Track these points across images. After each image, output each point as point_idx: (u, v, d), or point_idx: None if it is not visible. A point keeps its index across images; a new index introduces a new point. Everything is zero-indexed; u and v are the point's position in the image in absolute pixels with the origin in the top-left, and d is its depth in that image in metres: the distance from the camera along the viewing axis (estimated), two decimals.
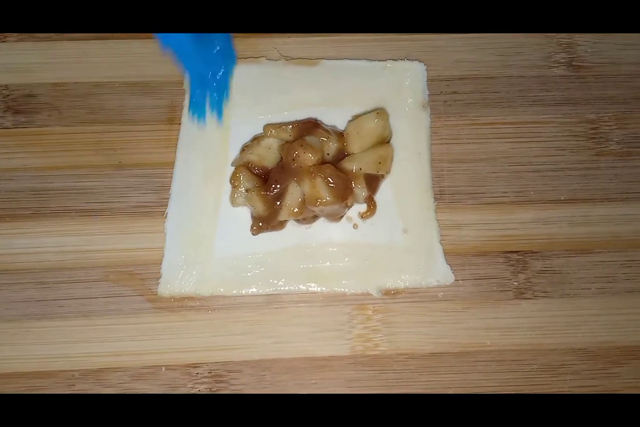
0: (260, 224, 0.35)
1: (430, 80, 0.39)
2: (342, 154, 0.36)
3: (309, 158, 0.34)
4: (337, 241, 0.36)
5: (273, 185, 0.34)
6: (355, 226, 0.36)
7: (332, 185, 0.33)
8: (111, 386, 0.33)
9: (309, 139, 0.34)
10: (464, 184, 0.38)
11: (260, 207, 0.34)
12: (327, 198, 0.33)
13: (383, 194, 0.37)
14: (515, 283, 0.36)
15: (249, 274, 0.35)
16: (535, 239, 0.37)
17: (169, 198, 0.36)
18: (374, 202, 0.36)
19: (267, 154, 0.35)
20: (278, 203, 0.34)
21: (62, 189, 0.36)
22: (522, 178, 0.38)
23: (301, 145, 0.34)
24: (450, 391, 0.34)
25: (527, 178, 0.38)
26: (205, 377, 0.34)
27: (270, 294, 0.35)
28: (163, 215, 0.36)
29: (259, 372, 0.34)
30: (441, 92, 0.39)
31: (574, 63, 0.40)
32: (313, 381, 0.34)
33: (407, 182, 0.37)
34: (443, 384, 0.35)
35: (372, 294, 0.35)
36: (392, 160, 0.36)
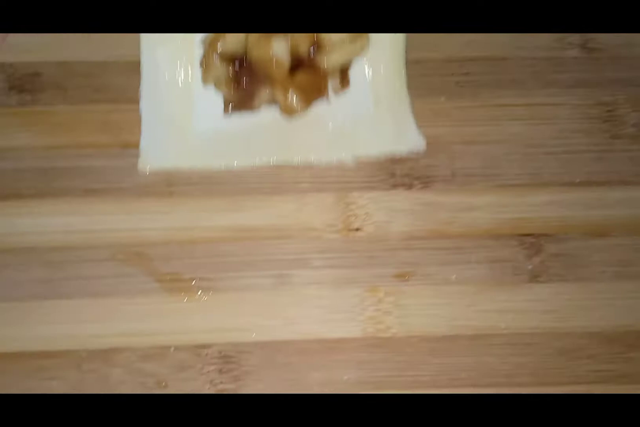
0: (232, 105, 0.37)
1: (442, 61, 0.41)
2: (316, 47, 0.38)
3: (277, 71, 0.36)
4: (311, 115, 0.38)
5: (243, 80, 0.36)
6: (328, 100, 0.39)
7: (305, 93, 0.36)
8: (119, 366, 0.35)
9: (276, 46, 0.36)
10: (477, 166, 0.39)
11: (230, 95, 0.37)
12: (302, 107, 0.36)
13: (354, 69, 0.39)
14: (530, 266, 0.38)
15: (225, 148, 0.38)
16: (550, 221, 0.39)
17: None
18: (347, 78, 0.39)
19: (236, 47, 0.37)
20: (249, 96, 0.36)
21: (68, 168, 0.38)
22: (536, 160, 0.40)
23: (269, 56, 0.35)
24: (463, 375, 0.36)
25: (541, 160, 0.40)
26: (215, 357, 0.35)
27: (279, 276, 0.37)
28: (170, 194, 0.38)
29: (269, 353, 0.36)
30: (453, 73, 0.41)
31: (587, 45, 0.42)
32: (324, 363, 0.36)
33: (380, 58, 0.39)
34: (456, 367, 0.36)
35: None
36: (368, 46, 0.38)
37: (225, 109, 0.38)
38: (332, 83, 0.39)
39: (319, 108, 0.39)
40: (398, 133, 0.39)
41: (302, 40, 0.37)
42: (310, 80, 0.37)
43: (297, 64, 0.37)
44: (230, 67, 0.37)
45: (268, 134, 0.39)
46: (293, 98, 0.36)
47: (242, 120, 0.38)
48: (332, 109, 0.39)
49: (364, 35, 0.38)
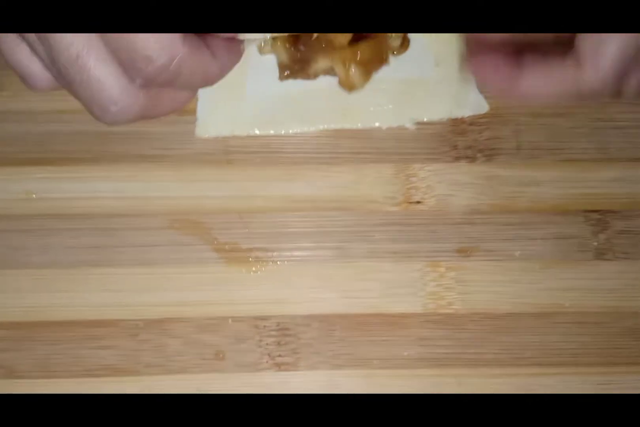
0: (287, 72, 0.36)
1: None
2: None
3: (337, 42, 0.34)
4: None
5: (301, 46, 0.35)
6: (387, 62, 0.38)
7: (367, 66, 0.35)
8: (176, 336, 0.34)
9: None
10: (542, 139, 0.38)
11: (285, 59, 0.35)
12: (363, 81, 0.35)
13: None
14: (595, 243, 0.37)
15: (281, 115, 0.37)
16: (617, 198, 0.38)
17: None
18: (407, 39, 0.37)
19: None
20: (306, 62, 0.35)
21: (123, 133, 0.37)
22: (603, 135, 0.38)
23: None
24: (528, 353, 0.35)
25: (608, 135, 0.38)
26: (273, 330, 0.35)
27: (338, 248, 0.36)
28: (228, 163, 0.37)
29: (327, 326, 0.35)
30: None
31: None
32: (384, 338, 0.35)
33: None
34: (520, 346, 0.35)
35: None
36: None
37: (280, 75, 0.37)
38: (393, 45, 0.37)
39: (378, 71, 0.37)
40: (459, 95, 0.38)
41: None
42: (372, 51, 0.35)
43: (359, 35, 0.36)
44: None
45: (325, 99, 0.37)
46: (354, 72, 0.35)
47: (298, 86, 0.37)
48: (392, 71, 0.38)
49: None
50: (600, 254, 0.37)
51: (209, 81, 0.32)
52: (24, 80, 0.32)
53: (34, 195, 0.36)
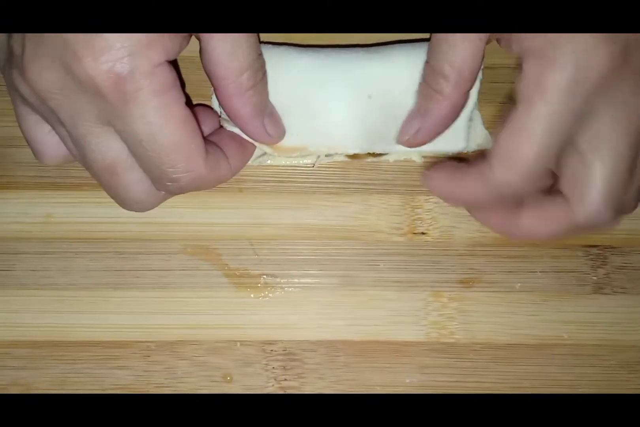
0: None
1: (515, 68, 0.42)
2: None
3: None
4: None
5: None
6: None
7: None
8: (186, 358, 0.36)
9: None
10: None
11: None
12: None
13: None
14: (594, 278, 0.39)
15: (293, 154, 0.38)
16: (616, 234, 0.39)
17: None
18: None
19: None
20: None
21: None
22: None
23: None
24: (526, 383, 0.37)
25: None
26: (279, 354, 0.36)
27: (344, 276, 0.38)
28: (240, 191, 0.39)
29: (332, 352, 0.37)
30: None
31: None
32: (387, 365, 0.37)
33: None
34: (518, 376, 0.37)
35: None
36: None
37: None
38: None
39: None
40: (465, 131, 0.38)
41: None
42: None
43: None
44: None
45: None
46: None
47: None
48: None
49: None
50: (599, 288, 0.38)
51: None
52: (35, 154, 0.34)
53: (54, 219, 0.38)
